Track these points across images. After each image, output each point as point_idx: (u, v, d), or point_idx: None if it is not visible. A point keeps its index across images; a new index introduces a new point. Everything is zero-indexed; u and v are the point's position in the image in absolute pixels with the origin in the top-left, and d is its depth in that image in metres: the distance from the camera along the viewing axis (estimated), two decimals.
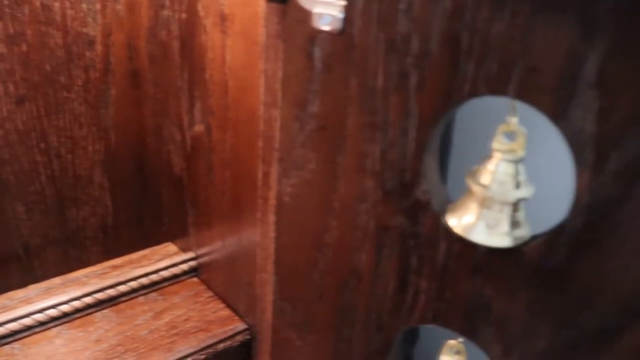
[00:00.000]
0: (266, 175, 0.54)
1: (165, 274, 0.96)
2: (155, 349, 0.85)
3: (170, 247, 1.04)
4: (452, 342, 0.48)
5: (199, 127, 0.90)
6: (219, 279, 0.96)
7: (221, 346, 0.87)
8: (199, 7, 0.82)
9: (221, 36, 0.80)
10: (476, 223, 0.40)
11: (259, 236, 0.57)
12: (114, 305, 0.92)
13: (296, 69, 0.47)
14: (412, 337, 0.70)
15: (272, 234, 0.55)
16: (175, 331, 0.89)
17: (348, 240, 0.49)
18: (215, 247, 0.95)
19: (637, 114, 0.33)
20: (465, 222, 0.41)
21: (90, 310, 0.91)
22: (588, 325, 0.39)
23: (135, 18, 0.95)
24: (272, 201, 0.54)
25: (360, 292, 0.50)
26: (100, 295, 0.91)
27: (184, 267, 0.98)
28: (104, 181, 1.01)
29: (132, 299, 0.94)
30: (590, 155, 0.35)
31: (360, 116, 0.44)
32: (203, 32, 0.83)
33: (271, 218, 0.54)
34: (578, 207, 0.37)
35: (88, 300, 0.90)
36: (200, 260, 0.99)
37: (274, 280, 0.56)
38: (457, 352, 0.48)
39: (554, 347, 0.41)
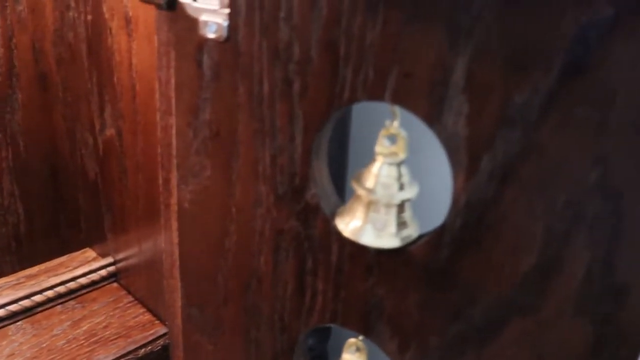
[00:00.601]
0: (166, 181, 0.54)
1: (83, 281, 0.95)
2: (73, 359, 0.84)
3: (89, 252, 1.02)
4: (352, 340, 0.49)
5: (110, 131, 0.89)
6: (139, 284, 0.95)
7: (142, 351, 0.86)
8: (104, 8, 0.81)
9: (127, 39, 0.79)
10: (364, 226, 0.41)
11: (164, 243, 0.57)
12: (30, 316, 0.91)
13: (187, 77, 0.47)
14: (324, 334, 0.71)
15: (175, 240, 0.55)
16: (94, 339, 0.87)
17: (247, 244, 0.49)
18: (134, 252, 0.94)
19: (505, 117, 0.35)
20: (354, 225, 0.42)
21: (3, 324, 0.89)
22: (474, 319, 0.41)
23: (39, 19, 0.92)
24: (174, 207, 0.54)
25: (262, 295, 0.50)
26: (14, 307, 0.89)
27: (103, 273, 0.97)
28: (14, 189, 0.98)
29: (48, 308, 0.92)
30: (464, 157, 0.37)
31: (250, 122, 0.45)
32: (109, 34, 0.81)
33: (174, 224, 0.54)
34: (456, 207, 0.38)
35: (0, 313, 0.88)
36: (119, 265, 0.98)
37: (180, 286, 0.56)
38: (358, 350, 0.49)
39: (446, 341, 0.43)
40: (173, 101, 0.49)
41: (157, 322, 0.92)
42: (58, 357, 0.85)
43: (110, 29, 0.80)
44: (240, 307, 0.52)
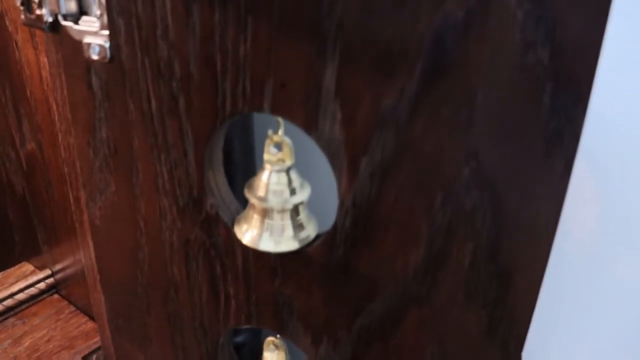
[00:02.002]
0: (77, 200, 0.54)
1: (21, 297, 0.94)
2: None
3: (26, 267, 1.01)
4: (270, 338, 0.51)
5: (30, 145, 0.88)
6: (79, 293, 0.95)
7: None
8: (7, 21, 0.79)
9: (34, 52, 0.78)
10: (261, 234, 0.42)
11: (84, 258, 0.57)
12: None
13: (80, 97, 0.47)
14: (255, 329, 0.72)
15: (93, 255, 0.55)
16: (37, 355, 0.87)
17: (159, 255, 0.50)
18: (70, 262, 0.94)
19: (377, 120, 0.36)
20: (252, 234, 0.43)
21: None
22: (376, 312, 0.43)
23: None
24: (87, 225, 0.54)
25: (180, 302, 0.51)
26: None
27: (42, 286, 0.96)
28: None
29: None
30: (344, 161, 0.38)
31: (144, 139, 0.45)
32: (15, 48, 0.80)
33: (90, 241, 0.55)
34: (344, 208, 0.40)
35: None
36: (58, 276, 0.97)
37: (104, 299, 0.57)
38: (277, 347, 0.51)
39: (353, 334, 0.44)
40: (70, 122, 0.49)
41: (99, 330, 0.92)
42: None
43: (16, 42, 0.79)
44: (163, 315, 0.53)
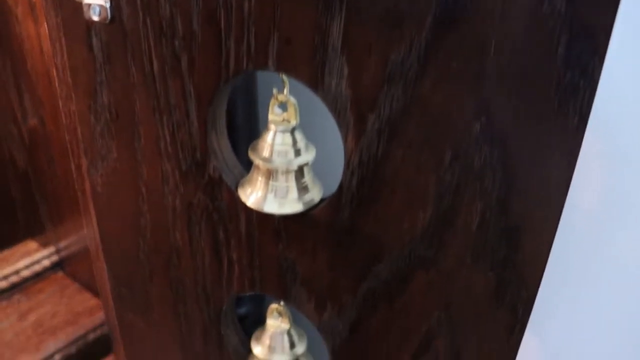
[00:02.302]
0: (78, 167, 0.53)
1: (26, 273, 0.94)
2: (22, 352, 0.83)
3: (30, 244, 1.01)
4: (273, 306, 0.50)
5: (32, 120, 0.87)
6: (84, 270, 0.94)
7: (91, 336, 0.86)
8: None
9: (34, 25, 0.77)
10: (266, 195, 0.42)
11: (86, 227, 0.57)
12: None
13: (80, 61, 0.46)
14: (257, 301, 0.72)
15: (95, 223, 0.54)
16: (42, 329, 0.87)
17: (161, 221, 0.49)
18: (74, 238, 0.93)
19: (385, 76, 0.35)
20: (256, 196, 0.42)
21: None
22: (382, 275, 0.42)
23: None
24: (89, 193, 0.53)
25: (183, 268, 0.50)
26: None
27: (46, 263, 0.96)
28: None
29: None
30: (350, 118, 0.37)
31: (146, 101, 0.44)
32: (15, 21, 0.79)
33: (91, 209, 0.54)
34: (350, 167, 0.39)
35: None
36: (62, 253, 0.97)
37: (107, 268, 0.56)
38: (280, 315, 0.50)
39: (358, 298, 0.44)
40: (71, 87, 0.49)
41: None
42: (7, 352, 0.84)
43: (16, 16, 0.78)
44: (165, 282, 0.53)
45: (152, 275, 0.53)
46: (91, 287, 0.94)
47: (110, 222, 0.53)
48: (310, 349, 0.54)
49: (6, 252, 0.99)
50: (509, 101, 0.33)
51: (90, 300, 0.93)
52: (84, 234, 0.88)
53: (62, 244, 0.96)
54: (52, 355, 0.83)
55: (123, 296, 0.57)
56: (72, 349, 0.85)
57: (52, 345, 0.85)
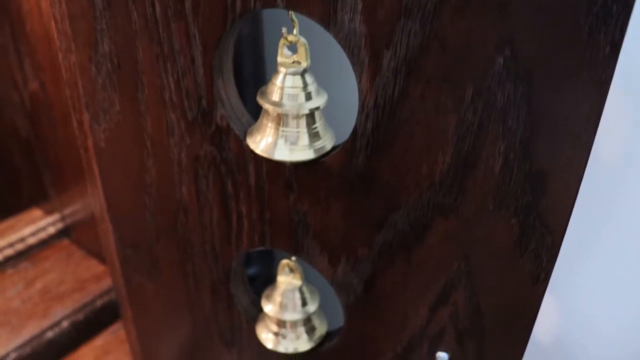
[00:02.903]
0: (80, 123, 0.51)
1: (31, 240, 0.92)
2: (30, 318, 0.82)
3: (35, 212, 0.99)
4: (284, 261, 0.48)
5: (33, 84, 0.85)
6: (90, 236, 0.93)
7: (99, 303, 0.85)
8: None
9: None
10: (276, 142, 0.40)
11: (89, 187, 0.55)
12: None
13: (79, 9, 0.44)
14: (267, 261, 0.70)
15: (99, 182, 0.53)
16: (49, 296, 0.86)
17: (167, 177, 0.47)
18: (79, 206, 0.92)
19: (401, 8, 0.33)
20: (266, 142, 0.40)
21: None
22: (398, 225, 0.40)
23: None
24: (92, 150, 0.51)
25: (191, 226, 0.49)
26: None
27: (51, 230, 0.94)
28: None
29: None
30: (365, 56, 0.35)
31: (149, 49, 0.42)
32: None
33: (95, 167, 0.52)
34: (365, 110, 0.37)
35: None
36: (68, 221, 0.96)
37: (112, 229, 0.54)
38: (292, 271, 0.48)
39: (374, 250, 0.42)
40: (71, 37, 0.46)
41: None
42: (14, 318, 0.83)
43: None
44: (172, 241, 0.51)
45: (158, 235, 0.52)
46: (97, 254, 0.93)
47: (115, 181, 0.51)
48: (322, 308, 0.53)
49: (11, 220, 0.97)
50: (535, 31, 0.31)
51: (97, 267, 0.92)
52: (89, 201, 0.87)
53: (67, 211, 0.95)
54: (59, 322, 0.82)
55: (129, 258, 0.56)
56: (80, 316, 0.84)
57: (59, 311, 0.84)
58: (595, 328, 0.66)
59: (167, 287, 0.55)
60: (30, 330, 0.81)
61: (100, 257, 0.93)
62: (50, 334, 0.81)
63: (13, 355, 0.78)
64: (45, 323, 0.82)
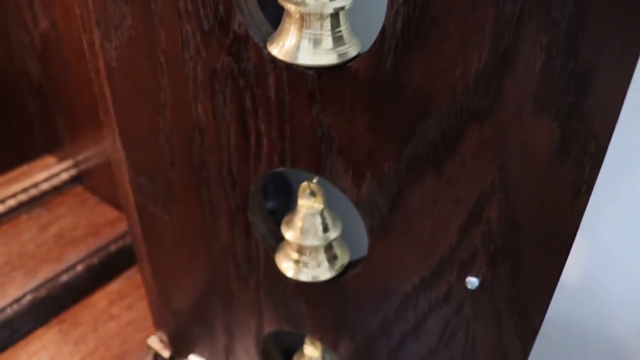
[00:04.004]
0: (91, 44, 0.49)
1: (45, 186, 0.91)
2: (44, 262, 0.81)
3: (49, 159, 0.98)
4: (305, 183, 0.46)
5: (43, 23, 0.83)
6: (104, 183, 0.91)
7: (113, 247, 0.84)
8: None
9: None
10: (299, 44, 0.37)
11: (102, 114, 0.53)
12: None
13: None
14: (285, 195, 0.68)
15: (111, 106, 0.50)
16: (63, 241, 0.85)
17: (182, 95, 0.45)
18: (93, 151, 0.90)
19: None
20: (288, 45, 0.38)
21: None
22: (429, 134, 0.37)
23: None
24: (103, 71, 0.49)
25: (206, 148, 0.46)
26: None
27: (64, 176, 0.93)
28: None
29: (13, 218, 0.89)
30: None
31: None
32: None
33: (107, 90, 0.50)
34: (394, 5, 0.34)
35: None
36: (82, 167, 0.94)
37: (125, 156, 0.52)
38: (312, 194, 0.46)
39: (402, 164, 0.39)
40: None
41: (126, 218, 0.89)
42: (30, 261, 0.82)
43: None
44: (188, 166, 0.49)
45: (173, 160, 0.50)
46: (111, 200, 0.92)
47: (127, 103, 0.49)
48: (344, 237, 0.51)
49: (25, 167, 0.96)
50: None
51: (111, 213, 0.90)
52: (102, 147, 0.85)
53: (81, 157, 0.93)
54: (74, 266, 0.81)
55: (143, 187, 0.53)
56: (95, 260, 0.82)
57: (74, 256, 0.83)
58: (623, 269, 0.63)
59: (182, 218, 0.53)
60: (45, 273, 0.80)
61: (114, 203, 0.91)
62: (65, 278, 0.80)
63: (29, 297, 0.77)
64: (60, 266, 0.81)
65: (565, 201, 0.36)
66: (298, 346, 0.62)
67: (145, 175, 0.52)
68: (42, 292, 0.78)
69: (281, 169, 0.44)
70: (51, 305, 0.79)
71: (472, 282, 0.42)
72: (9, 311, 0.75)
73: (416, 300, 0.45)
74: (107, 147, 0.82)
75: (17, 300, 0.76)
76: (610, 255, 0.63)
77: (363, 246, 0.46)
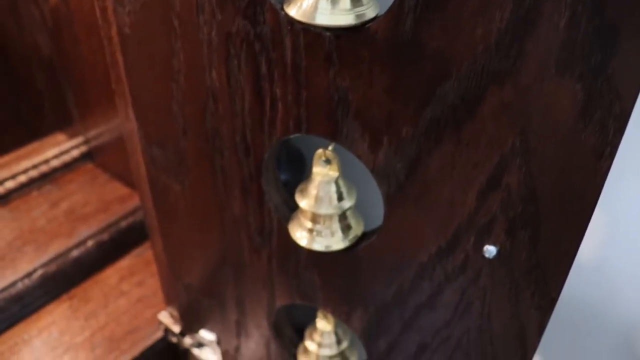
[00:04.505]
0: (103, 10, 0.48)
1: (55, 163, 0.91)
2: (55, 237, 0.81)
3: (59, 136, 0.97)
4: (320, 151, 0.45)
5: None
6: (115, 159, 0.91)
7: (124, 223, 0.83)
8: None
9: None
10: (317, 4, 0.36)
11: (114, 83, 0.52)
12: (6, 204, 0.87)
13: None
14: (298, 167, 0.68)
15: (123, 75, 0.50)
16: (74, 216, 0.85)
17: (195, 60, 0.44)
18: (104, 128, 0.89)
19: None
20: (306, 6, 0.37)
21: None
22: (448, 97, 0.37)
23: None
24: (116, 38, 0.48)
25: (220, 115, 0.46)
26: None
27: (75, 153, 0.93)
28: None
29: (24, 194, 0.89)
30: None
31: None
32: None
33: (119, 58, 0.49)
34: None
35: None
36: (92, 144, 0.94)
37: (137, 126, 0.52)
38: (328, 161, 0.45)
39: (420, 129, 0.39)
40: None
41: (137, 195, 0.89)
42: (40, 237, 0.82)
43: None
44: (200, 134, 0.48)
45: (185, 129, 0.49)
46: (121, 177, 0.91)
47: (140, 70, 0.49)
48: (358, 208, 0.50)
49: (35, 144, 0.96)
50: None
51: (121, 190, 0.90)
52: (114, 124, 0.84)
53: (91, 133, 0.93)
54: (85, 241, 0.81)
55: (155, 158, 0.53)
56: (105, 236, 0.82)
57: (84, 231, 0.82)
58: (638, 247, 0.62)
59: (194, 188, 0.53)
60: (55, 248, 0.80)
61: (125, 180, 0.91)
62: (75, 253, 0.80)
63: (40, 271, 0.77)
64: (71, 242, 0.81)
65: (587, 165, 0.35)
66: (310, 322, 0.61)
67: (157, 145, 0.52)
68: (53, 267, 0.78)
69: (296, 135, 0.43)
70: (62, 281, 0.79)
71: (490, 250, 0.41)
72: (20, 285, 0.75)
73: (432, 270, 0.45)
74: (118, 123, 0.82)
75: (28, 274, 0.76)
76: (626, 234, 0.63)
77: (377, 221, 0.46)
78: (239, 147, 0.47)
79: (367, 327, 0.52)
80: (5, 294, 0.74)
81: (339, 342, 0.58)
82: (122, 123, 0.54)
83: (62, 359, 0.72)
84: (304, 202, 0.46)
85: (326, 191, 0.45)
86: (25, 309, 0.77)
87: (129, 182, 0.90)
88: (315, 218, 0.46)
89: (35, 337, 0.75)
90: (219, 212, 0.52)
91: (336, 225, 0.47)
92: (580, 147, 0.35)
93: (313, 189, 0.46)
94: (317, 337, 0.58)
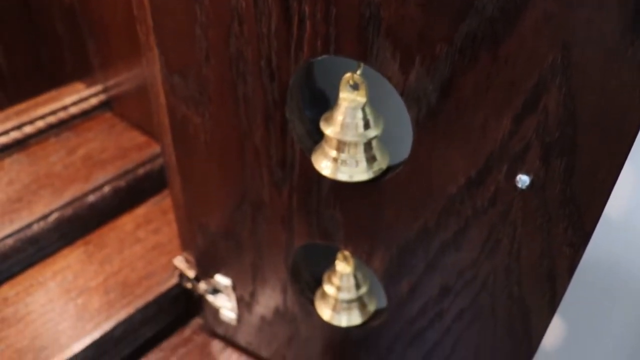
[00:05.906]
0: None
1: (73, 110, 0.90)
2: (72, 182, 0.80)
3: (78, 85, 0.96)
4: (348, 75, 0.43)
5: None
6: (133, 109, 0.90)
7: (141, 171, 0.82)
8: None
9: None
10: None
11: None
12: (24, 149, 0.86)
13: None
14: (323, 104, 0.66)
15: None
16: (91, 162, 0.84)
17: None
18: (124, 76, 0.88)
19: None
20: None
21: None
22: (487, 10, 0.34)
23: None
24: None
25: (245, 38, 0.44)
26: (4, 139, 0.84)
27: (94, 101, 0.91)
28: None
29: (42, 140, 0.88)
30: None
31: None
32: None
33: None
34: None
35: None
36: (111, 93, 0.92)
37: (158, 52, 0.50)
38: (355, 86, 0.44)
39: (455, 46, 0.37)
40: None
41: (155, 142, 0.88)
42: (57, 181, 0.81)
43: None
44: (224, 60, 0.47)
45: (208, 54, 0.47)
46: (141, 126, 0.90)
47: None
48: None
49: (54, 92, 0.95)
50: None
51: (140, 138, 0.89)
52: (133, 73, 0.83)
53: (110, 82, 0.92)
54: (101, 186, 0.80)
55: (176, 86, 0.52)
56: (122, 182, 0.81)
57: (101, 177, 0.81)
58: None
59: (215, 119, 0.51)
60: (72, 193, 0.79)
61: (143, 129, 0.90)
62: (92, 198, 0.79)
63: (55, 214, 0.76)
64: (87, 187, 0.80)
65: (632, 84, 0.33)
66: (328, 268, 0.60)
67: (179, 73, 0.50)
68: (69, 210, 0.77)
69: (324, 56, 0.42)
70: (77, 225, 0.79)
71: (523, 180, 0.39)
72: (35, 227, 0.75)
73: (460, 204, 0.43)
74: (137, 73, 0.80)
75: (44, 217, 0.76)
76: None
77: (401, 158, 0.44)
78: (264, 73, 0.45)
79: (389, 268, 0.51)
80: (20, 235, 0.73)
81: (357, 286, 0.56)
82: (143, 51, 0.53)
83: (75, 302, 0.72)
84: (329, 130, 0.45)
85: (352, 117, 0.44)
86: (40, 251, 0.76)
87: (148, 130, 0.89)
88: (340, 146, 0.45)
89: (50, 279, 0.74)
90: (240, 144, 0.51)
91: (361, 155, 0.45)
92: (625, 65, 0.33)
93: (339, 115, 0.44)
94: (335, 280, 0.57)
